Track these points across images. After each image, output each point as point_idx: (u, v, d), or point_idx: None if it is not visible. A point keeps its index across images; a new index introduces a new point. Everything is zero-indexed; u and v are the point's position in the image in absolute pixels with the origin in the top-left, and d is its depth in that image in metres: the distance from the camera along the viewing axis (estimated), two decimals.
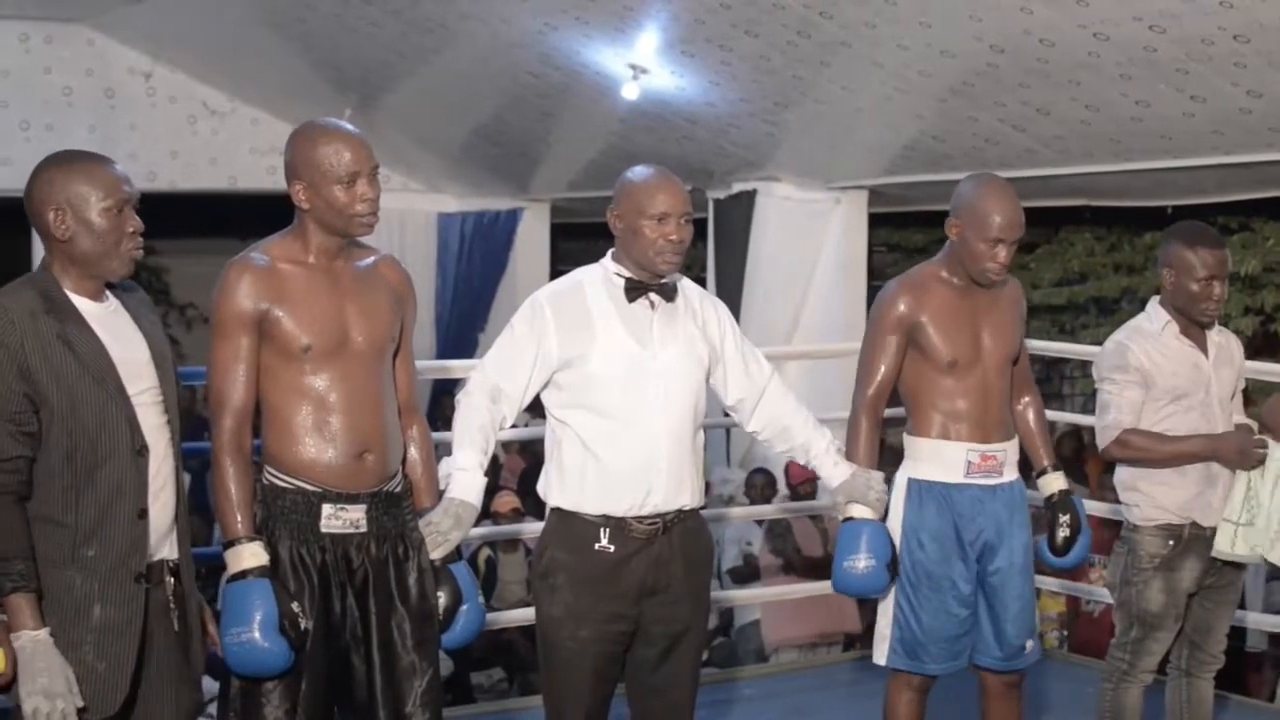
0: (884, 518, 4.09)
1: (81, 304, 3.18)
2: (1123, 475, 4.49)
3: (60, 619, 3.06)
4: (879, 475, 4.03)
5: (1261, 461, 4.35)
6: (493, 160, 12.59)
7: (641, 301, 3.71)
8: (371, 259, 3.60)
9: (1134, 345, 4.45)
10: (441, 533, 3.54)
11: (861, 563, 4.02)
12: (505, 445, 11.13)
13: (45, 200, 3.16)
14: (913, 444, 4.18)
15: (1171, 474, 4.41)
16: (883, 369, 4.14)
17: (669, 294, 3.73)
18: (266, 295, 3.40)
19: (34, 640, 3.01)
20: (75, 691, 3.04)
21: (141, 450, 3.16)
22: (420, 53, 10.48)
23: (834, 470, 3.99)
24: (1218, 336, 4.53)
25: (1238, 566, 4.52)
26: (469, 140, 12.34)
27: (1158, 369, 4.41)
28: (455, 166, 13.18)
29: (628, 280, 3.71)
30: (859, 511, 4.01)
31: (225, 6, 10.75)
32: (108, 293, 3.27)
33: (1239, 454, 4.36)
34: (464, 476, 3.60)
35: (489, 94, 10.87)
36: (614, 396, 3.65)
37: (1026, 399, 4.33)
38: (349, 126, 3.53)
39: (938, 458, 4.12)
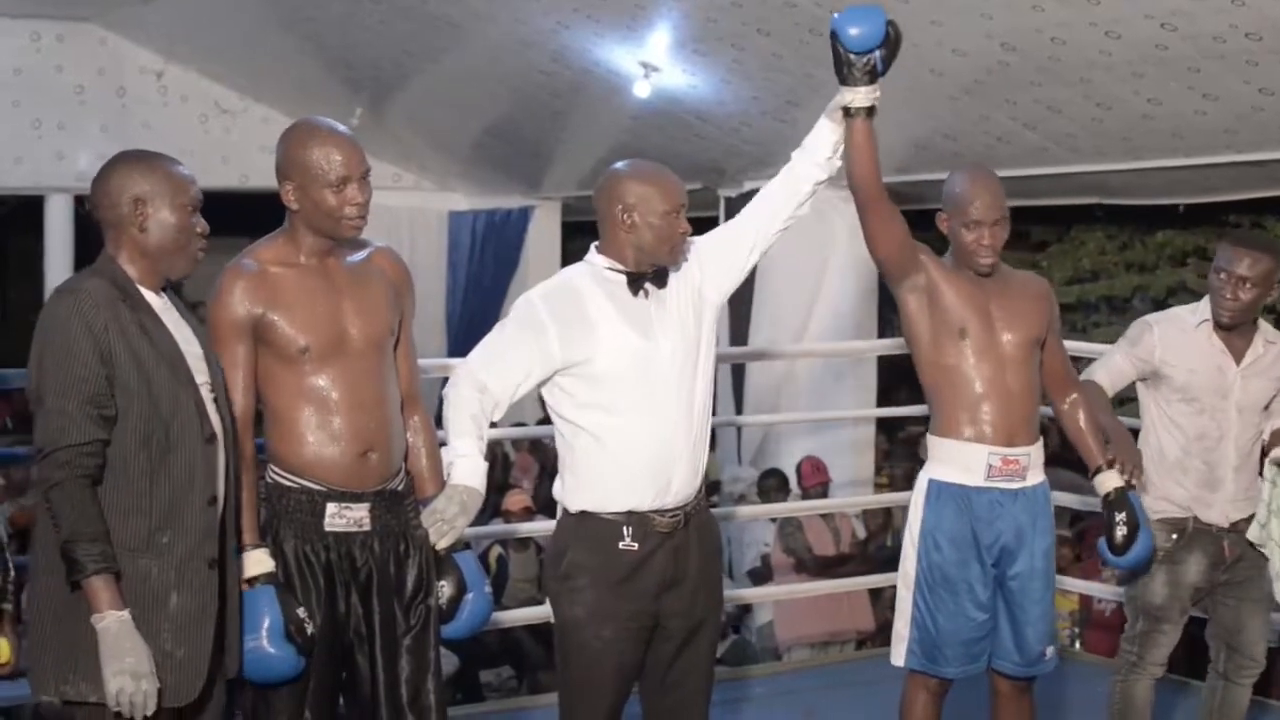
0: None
1: (148, 295, 3.22)
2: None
3: (139, 607, 3.07)
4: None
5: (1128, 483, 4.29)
6: (504, 159, 12.60)
7: (639, 292, 3.69)
8: (365, 252, 3.59)
9: (1157, 330, 4.47)
10: (447, 520, 3.48)
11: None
12: (516, 443, 11.13)
13: (124, 190, 3.20)
14: (935, 444, 4.13)
15: (1175, 469, 4.42)
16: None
17: (662, 280, 3.71)
18: (259, 300, 3.40)
19: (119, 621, 3.02)
20: (154, 674, 3.05)
21: (210, 438, 3.20)
22: (432, 51, 10.49)
23: (829, 116, 3.83)
24: (1264, 345, 4.47)
25: (1256, 563, 4.51)
26: (480, 139, 12.34)
27: (1170, 362, 4.41)
28: (466, 165, 13.19)
29: (629, 274, 3.69)
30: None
31: (237, 5, 10.76)
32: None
33: (1123, 463, 4.27)
34: (465, 463, 3.54)
35: (500, 92, 10.88)
36: (626, 392, 3.62)
37: (1074, 395, 4.22)
38: (342, 128, 3.50)
39: (959, 459, 4.06)
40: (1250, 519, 4.44)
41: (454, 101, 11.52)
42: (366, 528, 3.47)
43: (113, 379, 3.08)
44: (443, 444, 3.67)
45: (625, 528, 3.64)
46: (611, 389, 3.63)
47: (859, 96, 3.76)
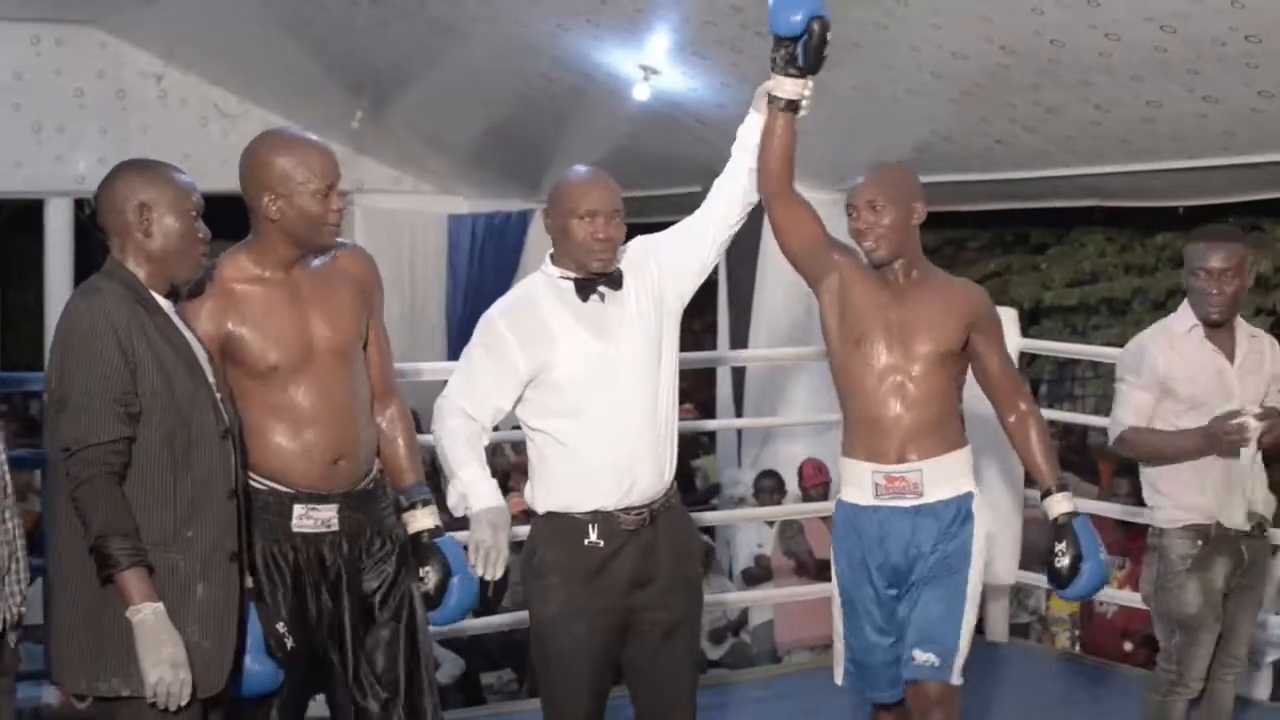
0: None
1: (157, 298, 3.28)
2: (1147, 474, 4.44)
3: (167, 601, 3.11)
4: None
5: (1244, 440, 4.27)
6: (504, 161, 12.60)
7: (592, 296, 3.72)
8: (328, 254, 3.60)
9: (1153, 348, 4.42)
10: (487, 546, 3.54)
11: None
12: (515, 446, 11.12)
13: (128, 196, 3.26)
14: (841, 464, 4.04)
15: (1192, 476, 4.36)
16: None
17: (616, 283, 3.73)
18: (227, 318, 3.43)
19: (155, 612, 3.07)
20: (189, 664, 3.10)
21: (226, 434, 3.25)
22: (431, 55, 10.48)
23: (755, 104, 3.94)
24: (1248, 341, 4.45)
25: (1262, 569, 4.50)
26: (480, 141, 12.34)
27: (1175, 376, 4.37)
28: (466, 168, 13.19)
29: (576, 281, 3.72)
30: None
31: (237, 8, 10.75)
32: None
33: (1224, 435, 4.25)
34: (478, 487, 3.62)
35: (500, 95, 10.88)
36: (587, 396, 3.67)
37: (1023, 408, 4.00)
38: (314, 136, 3.55)
39: (854, 479, 3.95)
40: (1258, 517, 4.42)
41: (454, 105, 11.52)
42: (335, 528, 3.49)
43: (136, 377, 3.13)
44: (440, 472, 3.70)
45: (591, 525, 3.68)
46: (573, 394, 3.68)
47: (778, 85, 3.82)
